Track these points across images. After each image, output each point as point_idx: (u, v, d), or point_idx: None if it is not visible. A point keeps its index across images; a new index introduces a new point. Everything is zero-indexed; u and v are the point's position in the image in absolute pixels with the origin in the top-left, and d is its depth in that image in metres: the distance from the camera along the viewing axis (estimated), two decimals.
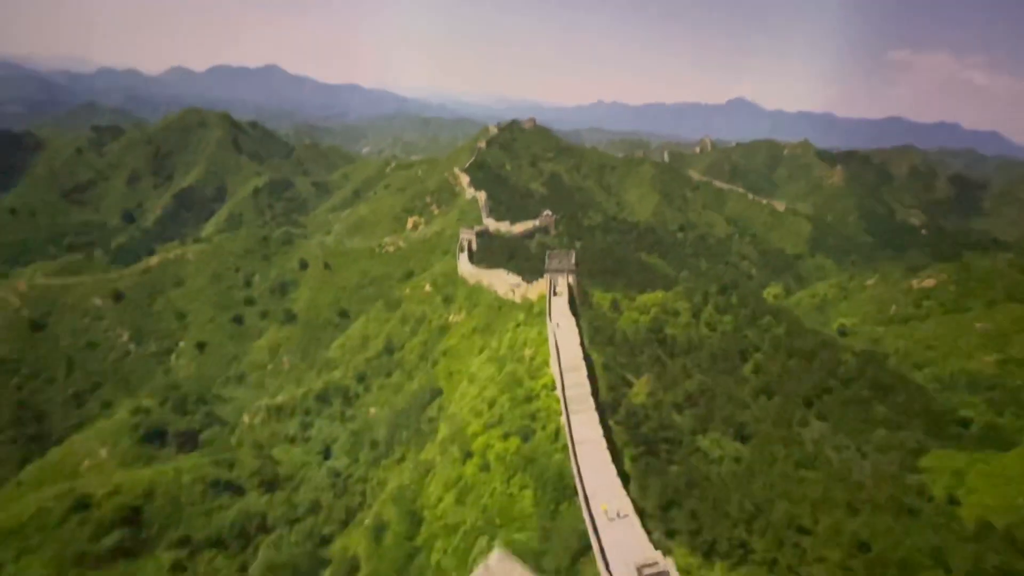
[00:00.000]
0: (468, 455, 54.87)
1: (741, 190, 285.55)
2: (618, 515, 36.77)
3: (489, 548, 42.95)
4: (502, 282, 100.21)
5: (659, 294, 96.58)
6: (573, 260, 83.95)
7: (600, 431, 46.31)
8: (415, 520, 53.72)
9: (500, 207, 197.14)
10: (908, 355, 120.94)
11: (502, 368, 67.28)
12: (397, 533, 53.46)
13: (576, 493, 40.68)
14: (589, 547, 35.11)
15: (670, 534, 38.55)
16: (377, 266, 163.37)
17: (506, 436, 52.06)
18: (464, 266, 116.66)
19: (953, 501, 62.47)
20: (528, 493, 43.74)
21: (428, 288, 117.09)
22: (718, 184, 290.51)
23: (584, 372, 53.61)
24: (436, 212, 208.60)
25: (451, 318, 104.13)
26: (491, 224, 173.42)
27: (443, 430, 66.49)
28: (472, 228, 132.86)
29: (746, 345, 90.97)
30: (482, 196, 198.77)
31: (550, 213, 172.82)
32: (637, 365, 66.25)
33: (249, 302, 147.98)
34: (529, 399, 55.42)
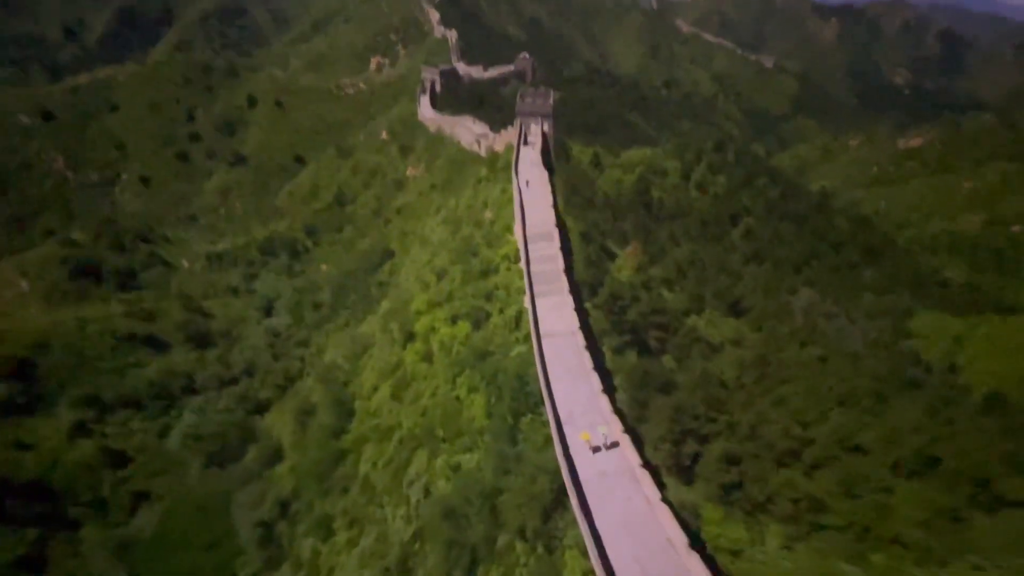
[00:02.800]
0: (409, 338, 41.06)
1: (730, 45, 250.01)
2: (605, 445, 23.86)
3: (430, 468, 31.00)
4: (467, 132, 79.85)
5: (646, 151, 78.39)
6: (550, 102, 63.67)
7: (575, 320, 32.11)
8: (344, 411, 41.35)
9: (472, 50, 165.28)
10: (887, 217, 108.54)
11: (456, 232, 51.14)
12: (324, 425, 41.36)
13: (543, 404, 27.46)
14: (565, 494, 22.52)
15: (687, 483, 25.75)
16: (336, 109, 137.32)
17: (454, 319, 37.78)
18: (425, 111, 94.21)
19: (953, 369, 53.24)
20: (479, 399, 30.62)
21: (384, 135, 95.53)
22: (707, 37, 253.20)
23: (556, 242, 38.08)
24: (403, 52, 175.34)
25: (408, 171, 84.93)
26: (461, 68, 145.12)
27: (387, 302, 52.10)
28: (436, 67, 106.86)
29: (738, 209, 75.66)
30: (453, 35, 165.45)
31: (528, 56, 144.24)
32: (621, 233, 50.80)
33: (194, 138, 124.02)
34: (486, 273, 40.31)
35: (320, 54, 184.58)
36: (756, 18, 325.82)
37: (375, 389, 40.25)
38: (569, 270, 37.07)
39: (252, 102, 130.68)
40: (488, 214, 48.72)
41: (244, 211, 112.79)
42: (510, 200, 46.44)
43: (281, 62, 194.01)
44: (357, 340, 48.16)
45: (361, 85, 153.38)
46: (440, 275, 44.69)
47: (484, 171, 61.80)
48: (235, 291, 78.54)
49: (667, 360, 35.61)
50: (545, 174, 48.08)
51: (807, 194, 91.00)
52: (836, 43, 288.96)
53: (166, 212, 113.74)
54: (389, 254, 69.27)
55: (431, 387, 34.87)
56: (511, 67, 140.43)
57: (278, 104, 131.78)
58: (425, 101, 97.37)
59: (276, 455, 44.55)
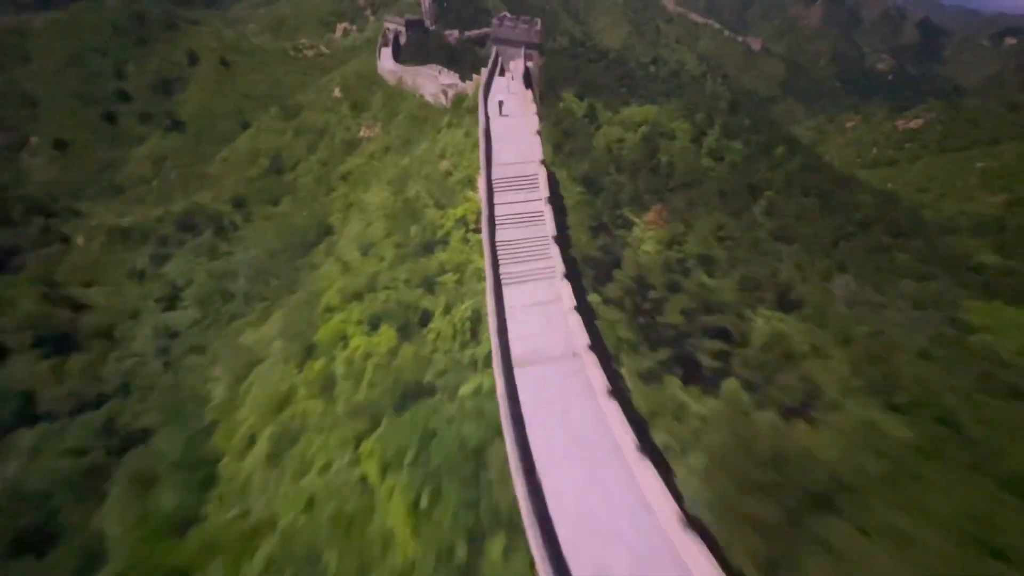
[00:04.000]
0: (309, 352, 24.71)
1: (717, 25, 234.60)
2: None
3: None
4: (432, 82, 62.87)
5: (651, 108, 62.28)
6: (537, 29, 47.29)
7: (576, 327, 16.36)
8: (202, 479, 24.61)
9: (449, 16, 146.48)
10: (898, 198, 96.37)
11: (400, 192, 34.57)
12: (163, 511, 24.40)
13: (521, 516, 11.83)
14: None
15: None
16: (292, 73, 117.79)
17: (373, 323, 21.72)
18: (385, 62, 76.50)
19: None
20: (399, 495, 14.79)
21: (337, 92, 77.60)
22: (693, 17, 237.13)
23: (543, 190, 22.18)
24: (372, 18, 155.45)
25: (362, 132, 67.51)
26: (435, 32, 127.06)
27: (301, 293, 35.47)
28: (402, 17, 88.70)
29: (758, 180, 60.69)
30: (426, 0, 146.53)
31: (507, 15, 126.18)
32: (635, 195, 35.17)
33: (123, 97, 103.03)
34: (428, 247, 24.21)
35: (280, 18, 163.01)
36: (741, 1, 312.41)
37: (250, 441, 23.90)
38: (563, 239, 21.41)
39: (193, 59, 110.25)
40: (444, 164, 32.43)
41: (182, 183, 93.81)
42: (475, 145, 30.40)
43: (235, 25, 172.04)
44: (240, 353, 31.17)
45: (323, 48, 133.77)
46: (366, 251, 28.43)
47: (447, 118, 45.32)
48: (141, 275, 60.70)
49: (732, 389, 20.14)
50: (529, 94, 31.96)
51: (827, 167, 76.70)
52: (820, 28, 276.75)
53: (86, 182, 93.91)
54: (328, 230, 52.30)
55: (324, 451, 18.83)
56: (489, 30, 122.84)
57: (223, 63, 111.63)
58: (387, 53, 79.70)
59: (98, 554, 26.90)
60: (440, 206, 26.82)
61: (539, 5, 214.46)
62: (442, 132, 42.45)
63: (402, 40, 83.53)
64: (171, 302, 54.10)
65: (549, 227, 20.90)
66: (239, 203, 67.71)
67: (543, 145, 28.16)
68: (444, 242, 23.91)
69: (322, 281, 31.96)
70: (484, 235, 20.48)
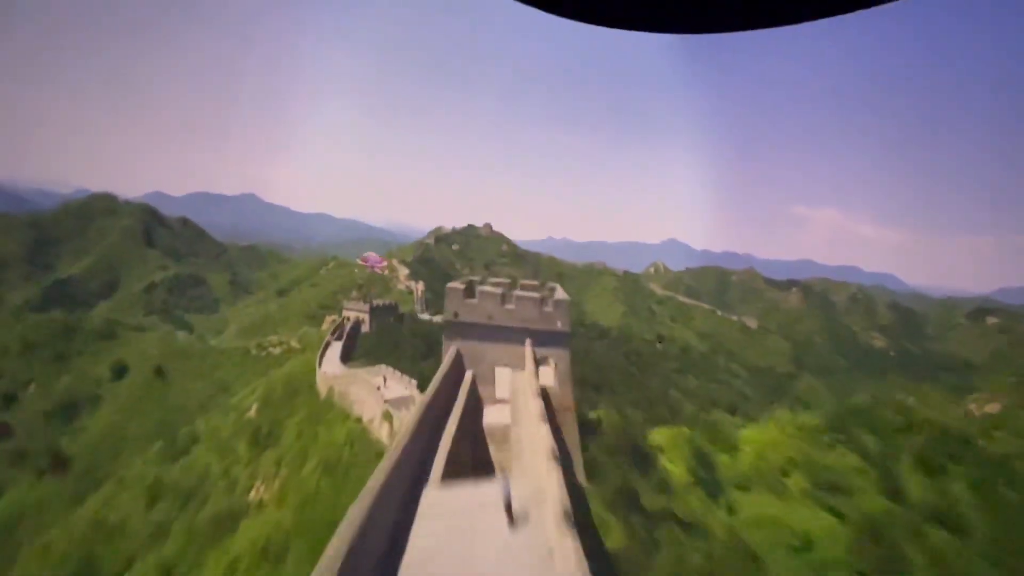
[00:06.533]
0: None
1: (707, 306, 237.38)
2: None
3: None
4: (371, 397, 36.23)
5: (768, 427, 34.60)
6: (564, 314, 22.59)
7: None
8: None
9: (439, 300, 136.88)
10: None
11: None
12: None
13: None
14: None
15: None
16: (248, 374, 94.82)
17: None
18: (328, 363, 52.09)
19: None
20: None
21: (252, 411, 50.74)
22: (682, 299, 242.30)
23: None
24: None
25: (252, 493, 37.39)
26: (427, 320, 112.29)
27: None
28: (368, 301, 70.03)
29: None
30: (420, 287, 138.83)
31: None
32: None
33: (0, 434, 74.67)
34: None
35: (266, 315, 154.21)
36: (716, 287, 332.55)
37: None
38: None
39: (120, 372, 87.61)
40: None
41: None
42: None
43: (218, 327, 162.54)
44: None
45: (293, 343, 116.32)
46: None
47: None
48: None
49: None
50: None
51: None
52: (804, 308, 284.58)
53: None
54: None
55: None
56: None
57: (158, 372, 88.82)
58: (335, 349, 56.38)
59: None
60: None
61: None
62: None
63: (364, 329, 62.67)
64: None
65: None
66: None
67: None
68: None
69: None
70: None
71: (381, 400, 32.15)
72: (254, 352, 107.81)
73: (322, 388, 46.14)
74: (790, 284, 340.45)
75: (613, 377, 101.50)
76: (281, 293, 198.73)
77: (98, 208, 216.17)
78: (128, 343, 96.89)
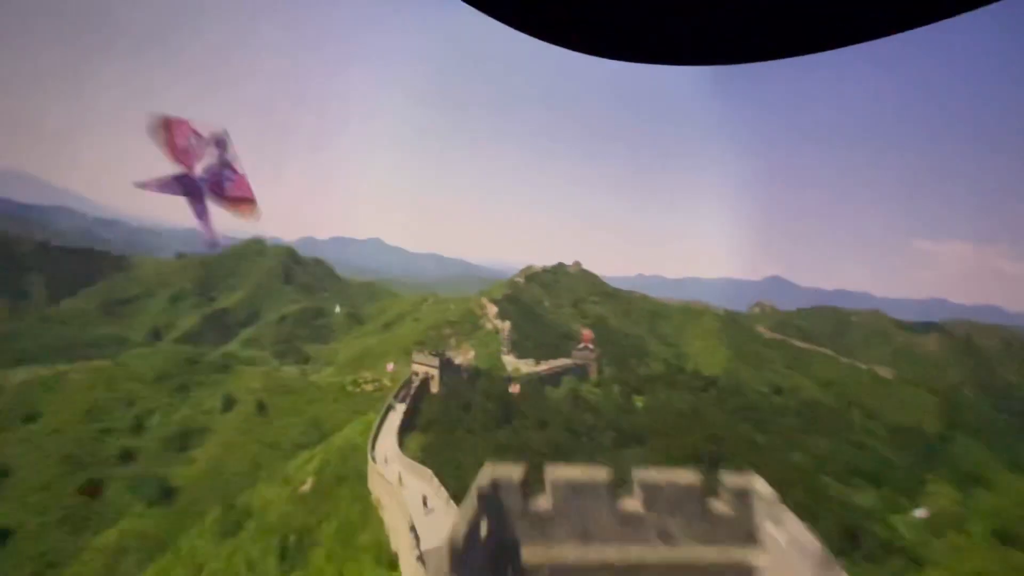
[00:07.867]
0: None
1: (828, 351, 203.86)
2: None
3: None
4: (405, 525, 28.74)
5: None
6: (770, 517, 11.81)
7: None
8: None
9: (527, 342, 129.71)
10: None
11: None
12: None
13: None
14: None
15: None
16: (341, 412, 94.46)
17: None
18: (386, 438, 46.19)
19: None
20: None
21: (307, 486, 46.42)
22: (796, 343, 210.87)
23: None
24: (453, 344, 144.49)
25: None
26: (510, 362, 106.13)
27: None
28: (438, 354, 63.94)
29: None
30: (506, 327, 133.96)
31: (591, 347, 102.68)
32: None
33: (126, 458, 79.36)
34: None
35: (367, 347, 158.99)
36: (834, 329, 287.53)
37: None
38: None
39: (229, 405, 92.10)
40: None
41: None
42: None
43: (328, 357, 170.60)
44: None
45: (385, 380, 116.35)
46: None
47: None
48: None
49: None
50: None
51: None
52: (945, 354, 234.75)
53: None
54: None
55: None
56: (569, 360, 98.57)
57: (261, 408, 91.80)
58: (393, 420, 50.18)
59: None
60: None
61: (624, 331, 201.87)
62: None
63: (433, 389, 56.55)
64: None
65: None
66: None
67: None
68: None
69: None
70: None
71: (414, 544, 24.25)
72: (348, 388, 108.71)
73: (372, 481, 39.81)
74: (927, 327, 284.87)
75: (731, 442, 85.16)
76: (386, 326, 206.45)
77: (252, 250, 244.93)
78: (240, 376, 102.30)
